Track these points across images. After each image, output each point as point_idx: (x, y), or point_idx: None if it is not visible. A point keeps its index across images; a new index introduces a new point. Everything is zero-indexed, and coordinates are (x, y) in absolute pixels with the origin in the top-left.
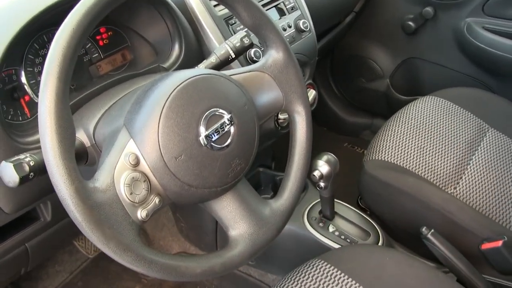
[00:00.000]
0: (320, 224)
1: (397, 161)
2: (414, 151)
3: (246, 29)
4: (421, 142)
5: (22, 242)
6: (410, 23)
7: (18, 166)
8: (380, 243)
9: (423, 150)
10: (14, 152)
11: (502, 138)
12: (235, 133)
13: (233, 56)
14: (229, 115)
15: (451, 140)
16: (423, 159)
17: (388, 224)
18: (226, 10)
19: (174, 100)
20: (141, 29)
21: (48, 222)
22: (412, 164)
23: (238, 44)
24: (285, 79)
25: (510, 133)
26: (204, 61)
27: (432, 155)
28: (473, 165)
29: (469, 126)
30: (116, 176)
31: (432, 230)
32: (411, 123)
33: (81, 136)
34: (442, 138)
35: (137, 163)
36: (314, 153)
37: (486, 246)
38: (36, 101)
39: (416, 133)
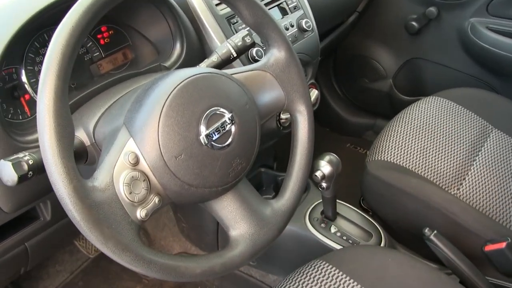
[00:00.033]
0: (322, 225)
1: (400, 161)
2: (417, 151)
3: (248, 28)
4: (424, 143)
5: (21, 241)
6: (414, 23)
7: (16, 165)
8: (382, 244)
9: (426, 151)
10: (13, 151)
11: (506, 139)
12: (236, 132)
13: (235, 55)
14: (230, 114)
15: (454, 140)
16: (426, 160)
17: (390, 225)
18: (228, 9)
19: (174, 99)
20: (143, 28)
21: (48, 222)
22: (415, 165)
23: (240, 43)
24: (287, 78)
25: None
26: (206, 60)
27: (435, 155)
28: (476, 166)
29: (473, 126)
30: (116, 175)
31: (435, 231)
32: (414, 123)
33: (81, 135)
34: (445, 139)
35: (136, 162)
36: (316, 153)
37: (489, 247)
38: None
39: (419, 134)
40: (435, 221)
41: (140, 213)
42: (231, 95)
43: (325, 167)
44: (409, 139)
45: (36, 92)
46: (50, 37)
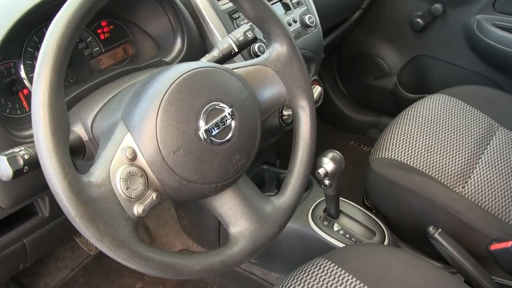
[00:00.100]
0: (325, 223)
1: (404, 159)
2: (422, 149)
3: (250, 23)
4: (429, 140)
5: (19, 237)
6: (419, 20)
7: (12, 160)
8: (385, 243)
9: (430, 149)
10: (10, 146)
11: None
12: (236, 127)
13: (236, 50)
14: (230, 109)
15: (459, 138)
16: (430, 158)
17: (394, 223)
18: (230, 4)
19: (173, 93)
20: (143, 23)
21: (46, 218)
22: (420, 163)
23: (241, 38)
24: (288, 73)
25: None
26: (207, 55)
27: (440, 153)
28: (482, 164)
29: (478, 124)
30: (112, 170)
31: (439, 230)
32: (419, 121)
33: (79, 130)
34: (450, 137)
35: (134, 157)
36: (319, 151)
37: (495, 246)
38: None
39: (423, 131)
40: (440, 219)
41: (137, 209)
42: (231, 89)
43: (328, 164)
44: (413, 136)
45: None
46: None
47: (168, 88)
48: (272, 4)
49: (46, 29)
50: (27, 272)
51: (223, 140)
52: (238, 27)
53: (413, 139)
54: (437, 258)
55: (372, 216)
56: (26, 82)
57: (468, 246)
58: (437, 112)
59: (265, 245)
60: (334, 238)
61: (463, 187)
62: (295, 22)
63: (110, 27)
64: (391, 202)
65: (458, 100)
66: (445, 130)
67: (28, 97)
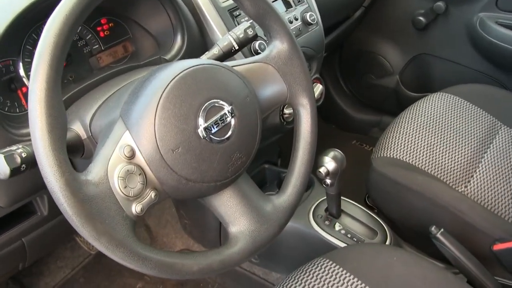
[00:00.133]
0: (326, 222)
1: (406, 158)
2: (424, 148)
3: (251, 21)
4: (431, 139)
5: (18, 236)
6: (421, 18)
7: (9, 158)
8: (387, 242)
9: (433, 148)
10: (8, 144)
11: None
12: (236, 125)
13: (237, 47)
14: (230, 107)
15: (462, 137)
16: (433, 157)
17: (396, 223)
18: (231, 1)
19: (171, 91)
20: (143, 20)
21: (45, 217)
22: (422, 162)
23: (241, 36)
24: (289, 71)
25: None
26: (207, 52)
27: (442, 152)
28: (485, 163)
29: (481, 123)
30: (110, 168)
31: (442, 230)
32: (421, 119)
33: (77, 128)
34: (453, 135)
35: (132, 156)
36: (321, 150)
37: (498, 247)
38: None
39: (426, 130)
40: (442, 219)
41: (136, 208)
42: (231, 87)
43: (329, 163)
44: (415, 135)
45: None
46: None
47: (167, 86)
48: (273, 2)
49: None
50: (27, 271)
51: (223, 138)
52: (238, 24)
53: (415, 138)
54: (439, 258)
55: (374, 216)
56: (25, 80)
57: (470, 246)
58: (440, 111)
59: (265, 244)
60: (335, 237)
61: (466, 186)
62: (296, 19)
63: (110, 24)
64: (393, 201)
65: (461, 99)
66: (447, 129)
67: (27, 95)
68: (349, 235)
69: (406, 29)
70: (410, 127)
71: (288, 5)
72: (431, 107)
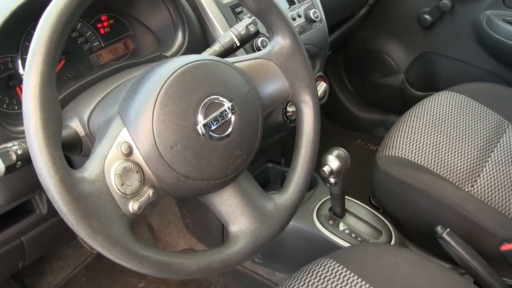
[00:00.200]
0: (330, 222)
1: (411, 157)
2: (430, 147)
3: (253, 17)
4: (437, 138)
5: (17, 235)
6: (427, 16)
7: (4, 155)
8: (392, 242)
9: (438, 147)
10: (4, 141)
11: None
12: (236, 122)
13: (238, 44)
14: (230, 103)
15: (468, 136)
16: (438, 156)
17: (401, 223)
18: None
19: (170, 87)
20: (143, 17)
21: (44, 215)
22: (427, 161)
23: (243, 32)
24: (291, 67)
25: None
26: (208, 49)
27: (448, 151)
28: (491, 162)
29: (488, 122)
30: (107, 166)
31: (448, 229)
32: (427, 118)
33: (75, 125)
34: (459, 134)
35: (129, 153)
36: (325, 150)
37: (506, 247)
38: None
39: (431, 129)
40: (448, 219)
41: (133, 206)
42: (231, 83)
43: (333, 162)
44: (421, 134)
45: None
46: None
47: (165, 81)
48: None
49: None
50: (29, 270)
51: (223, 135)
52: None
53: (421, 136)
54: (445, 258)
55: (379, 215)
56: (23, 77)
57: (477, 246)
58: (445, 110)
59: (266, 244)
60: (339, 237)
61: (472, 186)
62: (300, 16)
63: (110, 21)
64: (398, 201)
65: (467, 98)
66: (453, 127)
67: None
68: (353, 235)
69: (412, 28)
70: (416, 126)
71: (291, 2)
72: (437, 106)
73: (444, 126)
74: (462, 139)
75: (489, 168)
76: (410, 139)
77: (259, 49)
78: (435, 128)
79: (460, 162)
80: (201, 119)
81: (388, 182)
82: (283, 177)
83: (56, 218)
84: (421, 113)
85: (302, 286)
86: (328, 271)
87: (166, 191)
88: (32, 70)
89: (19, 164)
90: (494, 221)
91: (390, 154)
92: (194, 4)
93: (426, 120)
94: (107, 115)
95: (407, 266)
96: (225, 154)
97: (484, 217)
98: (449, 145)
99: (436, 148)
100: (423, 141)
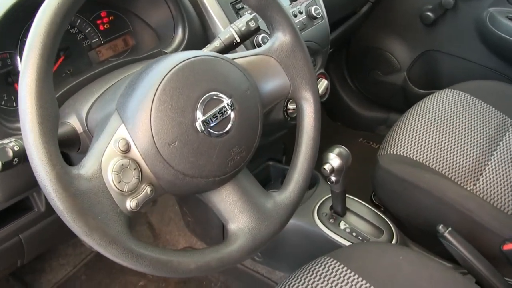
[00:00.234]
0: (331, 220)
1: (413, 155)
2: (432, 145)
3: (254, 14)
4: (439, 136)
5: (15, 233)
6: (429, 13)
7: (0, 151)
8: (393, 241)
9: (441, 145)
10: (1, 138)
11: None
12: (235, 119)
13: (238, 40)
14: (229, 100)
15: (471, 134)
16: (440, 154)
17: (402, 222)
18: None
19: (168, 83)
20: (143, 13)
21: (42, 213)
22: (429, 159)
23: (243, 28)
24: (292, 63)
25: None
26: (208, 45)
27: (451, 150)
28: (494, 161)
29: (491, 120)
30: (104, 163)
31: (450, 228)
32: (429, 116)
33: (74, 122)
34: (462, 133)
35: (127, 150)
36: (327, 148)
37: (508, 246)
38: None
39: (434, 127)
40: (450, 218)
41: (130, 204)
42: (231, 79)
43: (334, 160)
44: (423, 132)
45: None
46: None
47: (164, 77)
48: None
49: None
50: (29, 268)
51: (222, 132)
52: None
53: (422, 134)
54: (447, 258)
55: (380, 214)
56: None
57: (479, 245)
58: (448, 108)
59: (265, 242)
60: (340, 236)
61: (475, 184)
62: (301, 13)
63: (110, 18)
64: (400, 199)
65: (470, 95)
66: (456, 126)
67: None
68: (354, 234)
69: (414, 25)
70: (418, 124)
71: None
72: (439, 104)
73: (447, 124)
74: (465, 137)
75: (491, 166)
76: (412, 137)
77: (259, 46)
78: (437, 126)
79: (463, 160)
80: (200, 116)
81: (389, 181)
82: (284, 175)
83: (54, 215)
84: (423, 111)
85: (302, 285)
86: (328, 270)
87: (164, 189)
88: (28, 65)
89: (15, 161)
90: (496, 220)
91: (392, 152)
92: (194, 0)
93: (428, 118)
94: (105, 111)
95: (408, 265)
96: (224, 151)
97: (487, 216)
98: (451, 143)
99: (438, 146)
100: (425, 139)
